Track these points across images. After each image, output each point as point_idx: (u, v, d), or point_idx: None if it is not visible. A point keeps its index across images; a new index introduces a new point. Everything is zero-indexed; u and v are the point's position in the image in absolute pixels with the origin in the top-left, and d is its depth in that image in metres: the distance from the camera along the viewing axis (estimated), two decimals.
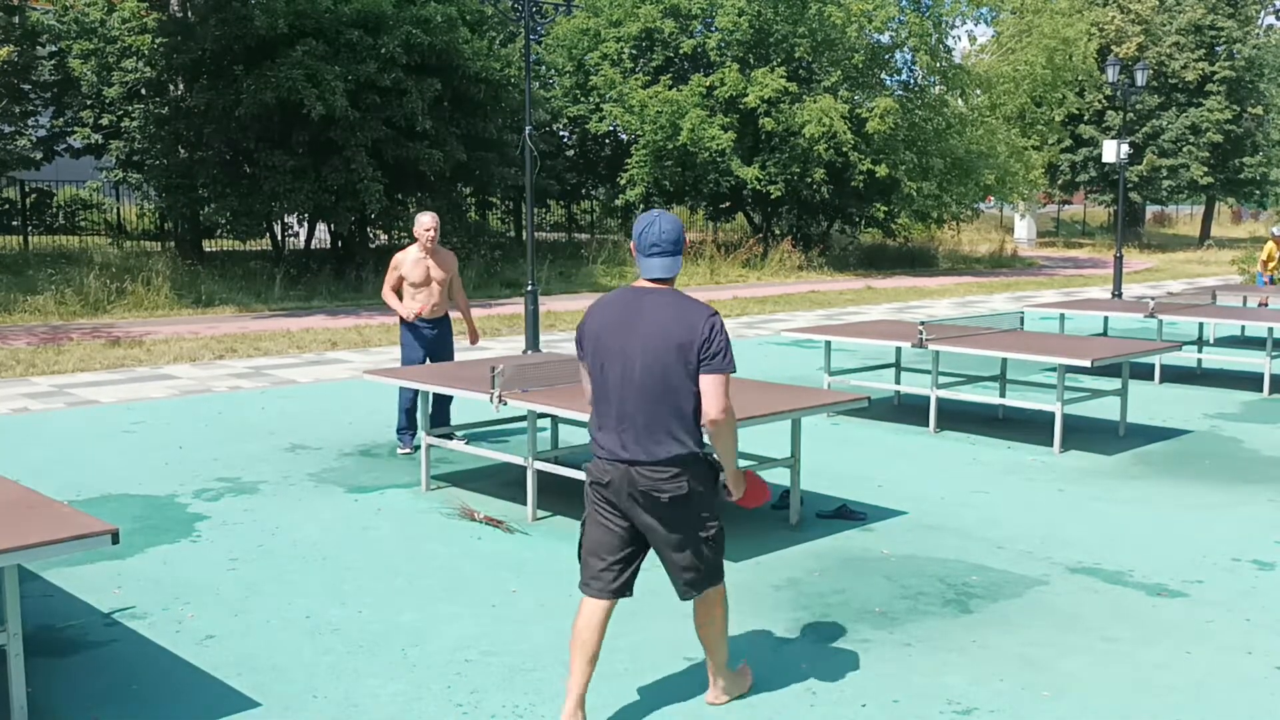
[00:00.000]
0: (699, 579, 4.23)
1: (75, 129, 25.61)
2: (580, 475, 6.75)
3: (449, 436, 8.22)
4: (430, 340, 8.66)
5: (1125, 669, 4.68)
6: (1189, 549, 6.31)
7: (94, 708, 4.29)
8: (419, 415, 7.85)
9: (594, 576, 4.13)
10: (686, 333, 3.95)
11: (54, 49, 24.69)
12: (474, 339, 9.21)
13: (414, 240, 8.65)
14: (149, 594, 5.53)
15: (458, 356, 8.93)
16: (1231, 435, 9.53)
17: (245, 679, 4.55)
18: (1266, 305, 15.68)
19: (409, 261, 8.57)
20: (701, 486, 4.11)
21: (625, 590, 4.17)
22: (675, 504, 4.03)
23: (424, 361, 8.58)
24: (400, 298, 8.60)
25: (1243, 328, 16.21)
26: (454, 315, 8.91)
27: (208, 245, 25.66)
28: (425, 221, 8.51)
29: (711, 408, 3.97)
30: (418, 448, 8.26)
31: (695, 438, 4.06)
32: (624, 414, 4.01)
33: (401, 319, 8.63)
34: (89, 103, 24.69)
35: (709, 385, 3.96)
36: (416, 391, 8.00)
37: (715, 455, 4.20)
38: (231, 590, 5.60)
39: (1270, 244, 18.82)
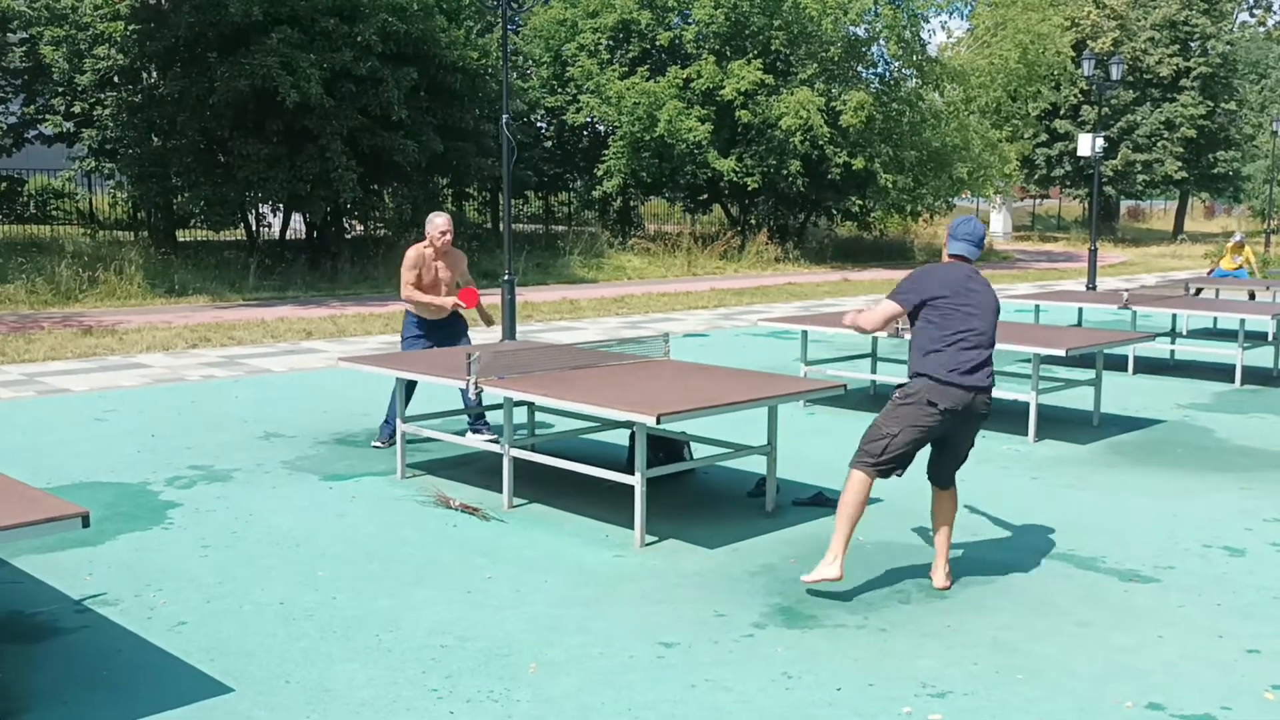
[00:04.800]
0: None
1: (46, 116, 25.32)
2: (556, 463, 6.75)
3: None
4: (442, 337, 8.48)
5: (1097, 652, 4.71)
6: (1161, 536, 6.36)
7: (64, 693, 4.25)
8: (399, 404, 7.75)
9: (887, 462, 5.32)
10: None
11: (25, 35, 24.40)
12: (489, 322, 8.96)
13: (421, 236, 8.38)
14: (120, 580, 5.48)
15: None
16: (1203, 425, 9.61)
17: (218, 664, 4.52)
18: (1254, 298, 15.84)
19: (424, 263, 8.29)
20: None
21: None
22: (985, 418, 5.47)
23: None
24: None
25: (1215, 319, 16.36)
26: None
27: (181, 235, 25.46)
28: (440, 223, 8.23)
29: None
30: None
31: None
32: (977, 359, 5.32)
33: (410, 313, 8.40)
34: (60, 90, 24.42)
35: None
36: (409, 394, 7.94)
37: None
38: (204, 576, 5.56)
39: (1247, 250, 19.05)
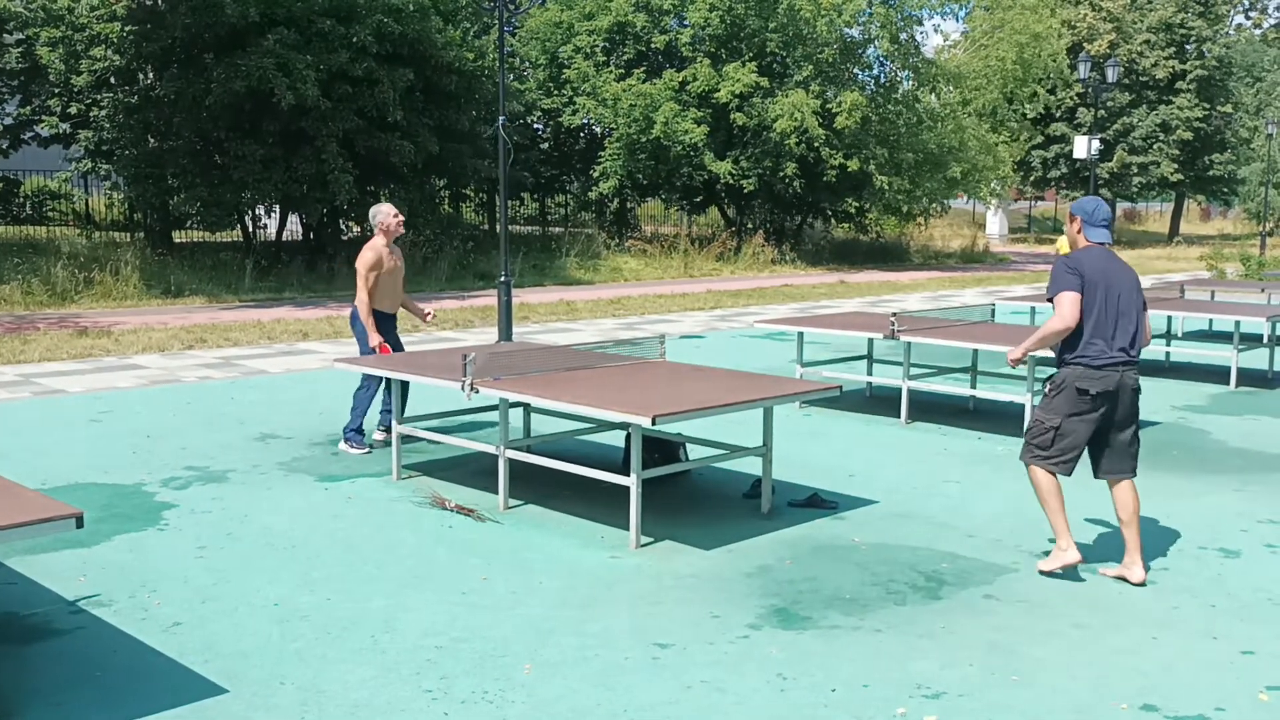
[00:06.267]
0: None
1: (43, 118, 25.28)
2: (552, 465, 6.74)
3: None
4: (392, 333, 8.48)
5: (1093, 654, 4.71)
6: (1156, 537, 6.37)
7: (58, 695, 4.24)
8: (394, 404, 7.74)
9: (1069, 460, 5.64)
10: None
11: (21, 36, 24.35)
12: (425, 316, 8.82)
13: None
14: (115, 581, 5.47)
15: (435, 345, 8.86)
16: (1199, 427, 9.62)
17: (212, 665, 4.51)
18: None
19: (384, 255, 8.26)
20: None
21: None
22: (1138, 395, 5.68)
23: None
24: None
25: (1210, 322, 16.38)
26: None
27: (178, 236, 25.45)
28: (393, 210, 8.34)
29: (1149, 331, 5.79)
30: (372, 447, 8.32)
31: None
32: (1127, 339, 5.57)
33: (359, 315, 8.21)
34: (57, 91, 24.37)
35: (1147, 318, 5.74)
36: (377, 390, 8.07)
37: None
38: (199, 578, 5.55)
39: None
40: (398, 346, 8.52)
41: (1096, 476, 5.77)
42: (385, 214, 8.36)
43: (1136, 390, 5.62)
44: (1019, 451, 5.94)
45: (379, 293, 8.29)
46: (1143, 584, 5.54)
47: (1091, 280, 5.52)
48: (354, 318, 8.40)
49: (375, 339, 8.20)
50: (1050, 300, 5.60)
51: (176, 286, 19.83)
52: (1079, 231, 5.74)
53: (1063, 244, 19.50)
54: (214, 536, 6.22)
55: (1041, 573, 5.65)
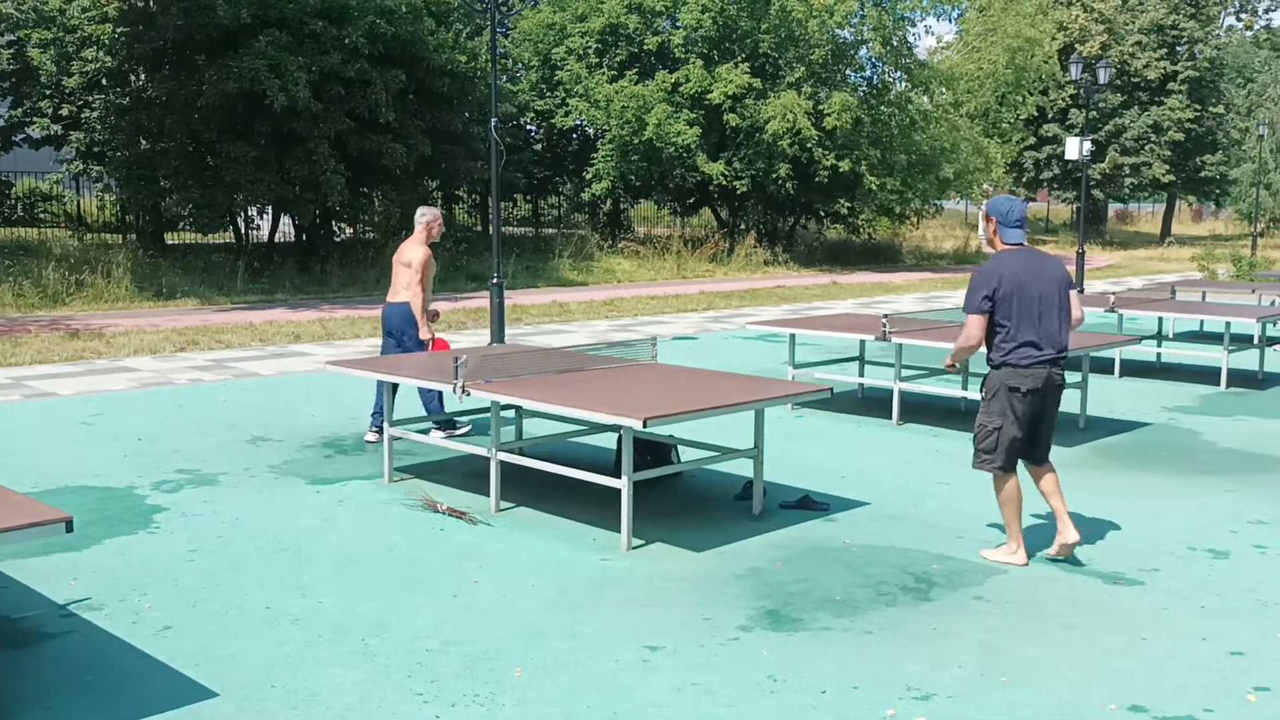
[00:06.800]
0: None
1: (34, 119, 25.20)
2: (543, 467, 6.75)
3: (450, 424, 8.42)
4: None
5: (1082, 655, 4.72)
6: (1146, 538, 6.39)
7: (48, 699, 4.24)
8: (386, 406, 7.76)
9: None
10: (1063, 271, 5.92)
11: (12, 38, 24.29)
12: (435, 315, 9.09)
13: (410, 232, 8.85)
14: (105, 585, 5.46)
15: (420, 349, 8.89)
16: (1189, 428, 9.64)
17: (203, 669, 4.51)
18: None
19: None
20: None
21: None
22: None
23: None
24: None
25: (1201, 323, 16.43)
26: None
27: (169, 238, 25.41)
28: (438, 212, 8.87)
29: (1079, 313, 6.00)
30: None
31: None
32: (1052, 335, 5.78)
33: (411, 310, 8.62)
34: (48, 93, 24.31)
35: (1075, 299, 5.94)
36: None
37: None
38: (190, 581, 5.54)
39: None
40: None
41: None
42: (437, 216, 8.79)
43: (1061, 387, 5.90)
44: (971, 461, 6.03)
45: (426, 289, 8.71)
46: (1079, 542, 5.88)
47: (1007, 290, 5.68)
48: (397, 313, 8.69)
49: (428, 332, 8.61)
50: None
51: (168, 288, 19.80)
52: (994, 232, 5.88)
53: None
54: (205, 540, 6.22)
55: (983, 557, 5.95)
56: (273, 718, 4.11)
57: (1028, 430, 5.84)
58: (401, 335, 8.69)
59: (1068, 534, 5.85)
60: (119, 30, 21.37)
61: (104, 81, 22.82)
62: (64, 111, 24.00)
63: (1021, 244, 5.86)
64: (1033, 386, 5.73)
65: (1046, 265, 5.82)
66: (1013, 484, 5.85)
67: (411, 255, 8.59)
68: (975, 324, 5.77)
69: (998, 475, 5.86)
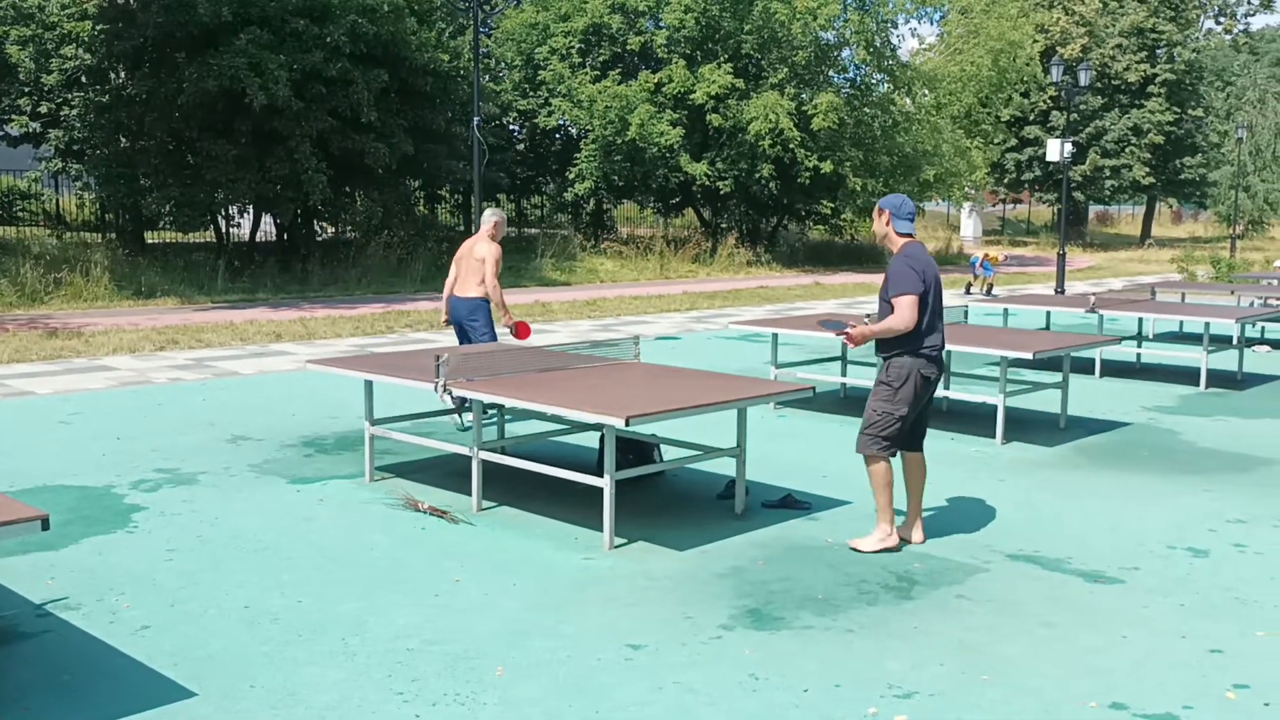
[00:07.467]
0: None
1: (12, 117, 24.99)
2: (526, 466, 6.73)
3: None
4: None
5: (1063, 653, 4.74)
6: (1126, 537, 6.41)
7: (24, 699, 4.20)
8: (366, 404, 7.71)
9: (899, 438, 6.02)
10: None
11: None
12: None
13: (466, 230, 9.12)
14: (83, 585, 5.42)
15: (410, 346, 8.93)
16: (1168, 428, 9.69)
17: (181, 669, 4.47)
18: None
19: None
20: None
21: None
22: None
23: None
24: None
25: (1181, 324, 16.52)
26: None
27: (149, 237, 25.24)
28: (503, 215, 9.39)
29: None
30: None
31: None
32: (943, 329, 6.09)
33: (490, 302, 9.13)
34: (27, 90, 24.10)
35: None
36: None
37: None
38: (168, 580, 5.50)
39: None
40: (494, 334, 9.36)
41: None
42: (503, 217, 9.36)
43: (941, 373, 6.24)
44: (857, 444, 6.11)
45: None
46: (923, 542, 6.18)
47: (927, 278, 5.94)
48: (464, 305, 9.14)
49: (509, 319, 9.26)
50: (890, 299, 5.94)
51: (148, 287, 19.68)
52: (888, 224, 6.08)
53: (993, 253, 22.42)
54: (184, 539, 6.17)
55: (852, 549, 6.06)
56: (252, 717, 4.08)
57: (915, 416, 6.10)
58: (470, 325, 9.20)
59: (916, 532, 6.21)
60: (98, 27, 21.21)
61: (83, 79, 22.65)
62: (43, 109, 23.79)
63: (913, 235, 6.11)
64: (936, 376, 6.03)
65: (934, 263, 6.08)
66: (888, 468, 6.05)
67: (484, 251, 9.12)
68: (914, 305, 5.88)
69: (883, 461, 6.01)
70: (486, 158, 13.17)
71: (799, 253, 32.71)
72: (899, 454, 6.16)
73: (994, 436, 8.95)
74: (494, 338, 9.21)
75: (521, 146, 33.21)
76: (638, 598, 5.34)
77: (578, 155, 29.69)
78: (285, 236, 24.76)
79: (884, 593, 5.45)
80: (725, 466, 7.63)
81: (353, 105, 21.15)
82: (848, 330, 6.13)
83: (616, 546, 6.08)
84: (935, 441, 8.91)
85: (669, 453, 7.61)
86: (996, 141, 39.71)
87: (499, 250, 9.23)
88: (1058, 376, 10.04)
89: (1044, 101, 43.98)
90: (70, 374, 11.66)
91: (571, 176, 29.77)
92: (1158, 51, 46.58)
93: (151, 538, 6.19)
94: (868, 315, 10.02)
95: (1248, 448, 8.89)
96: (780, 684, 4.41)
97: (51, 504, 6.76)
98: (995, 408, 9.01)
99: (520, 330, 9.32)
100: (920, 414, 6.15)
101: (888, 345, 6.01)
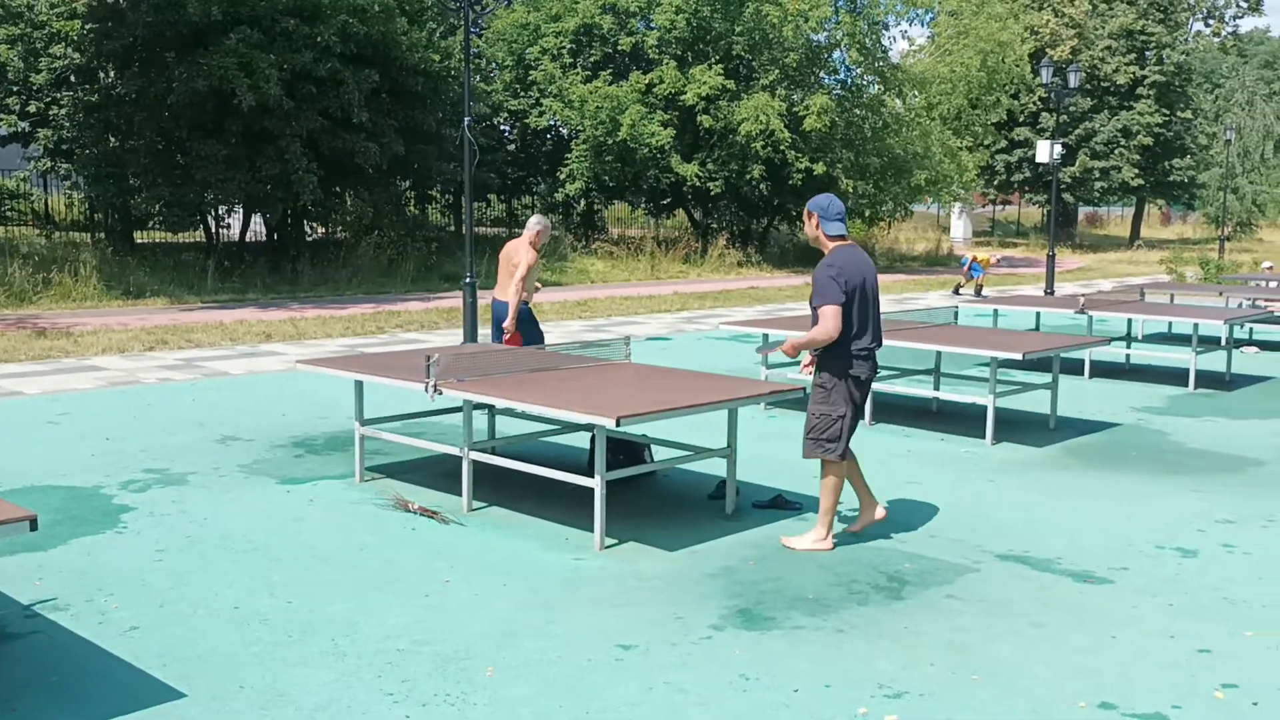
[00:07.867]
0: None
1: (1, 116, 24.94)
2: (516, 466, 6.72)
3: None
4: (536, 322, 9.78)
5: (1052, 653, 4.75)
6: (1115, 537, 6.43)
7: (12, 699, 4.18)
8: (356, 404, 7.70)
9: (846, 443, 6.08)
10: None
11: None
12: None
13: (501, 235, 9.23)
14: (71, 585, 5.40)
15: (400, 347, 8.93)
16: (1157, 428, 9.72)
17: (170, 669, 4.46)
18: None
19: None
20: None
21: None
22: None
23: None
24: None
25: (1169, 325, 16.57)
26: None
27: (139, 236, 25.17)
28: (548, 224, 9.66)
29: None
30: None
31: None
32: (878, 327, 6.11)
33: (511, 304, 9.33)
34: (15, 89, 24.01)
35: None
36: None
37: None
38: (157, 581, 5.49)
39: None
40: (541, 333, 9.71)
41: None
42: (547, 227, 9.62)
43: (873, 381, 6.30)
44: (803, 450, 6.14)
45: (527, 288, 9.42)
46: (884, 518, 6.44)
47: (852, 283, 5.92)
48: (504, 307, 9.37)
49: (513, 324, 9.35)
50: (815, 308, 5.94)
51: (137, 287, 19.61)
52: (817, 227, 6.07)
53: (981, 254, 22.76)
54: (173, 540, 6.16)
55: (785, 546, 6.13)
56: (241, 718, 4.07)
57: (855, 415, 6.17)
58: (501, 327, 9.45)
59: (877, 511, 6.40)
60: (88, 27, 21.14)
61: (72, 78, 22.57)
62: (31, 108, 23.71)
63: (844, 235, 6.09)
64: (869, 375, 6.06)
65: (868, 261, 6.09)
66: (842, 471, 6.12)
67: (521, 257, 9.33)
68: (837, 315, 5.88)
69: (832, 464, 6.06)
70: (477, 158, 13.14)
71: (789, 254, 32.73)
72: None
73: (984, 437, 8.97)
74: (536, 340, 9.45)
75: (512, 147, 33.18)
76: (628, 598, 5.34)
77: (568, 156, 29.67)
78: (275, 236, 24.70)
79: (874, 593, 5.46)
80: (716, 467, 7.64)
81: (343, 105, 21.12)
82: (780, 347, 6.26)
83: (607, 547, 6.08)
84: (925, 442, 8.94)
85: (660, 453, 7.61)
86: (986, 144, 39.78)
87: (534, 257, 9.41)
88: (1047, 377, 10.07)
89: (1033, 103, 44.08)
90: (59, 374, 11.62)
91: (562, 177, 29.75)
92: (1147, 53, 46.70)
93: (140, 538, 6.17)
94: None
95: (1236, 448, 8.92)
96: (771, 684, 4.41)
97: (40, 504, 6.73)
98: (985, 408, 9.03)
99: (514, 341, 9.44)
100: (858, 413, 6.22)
101: (820, 349, 6.05)
